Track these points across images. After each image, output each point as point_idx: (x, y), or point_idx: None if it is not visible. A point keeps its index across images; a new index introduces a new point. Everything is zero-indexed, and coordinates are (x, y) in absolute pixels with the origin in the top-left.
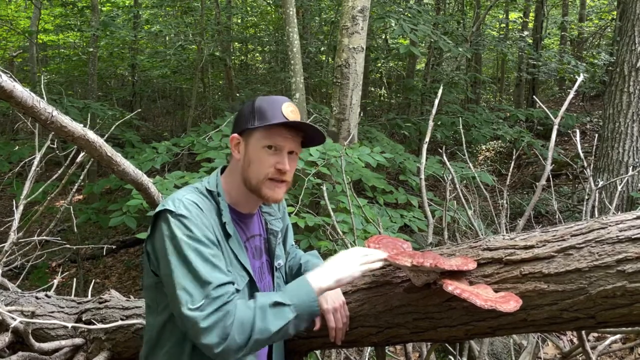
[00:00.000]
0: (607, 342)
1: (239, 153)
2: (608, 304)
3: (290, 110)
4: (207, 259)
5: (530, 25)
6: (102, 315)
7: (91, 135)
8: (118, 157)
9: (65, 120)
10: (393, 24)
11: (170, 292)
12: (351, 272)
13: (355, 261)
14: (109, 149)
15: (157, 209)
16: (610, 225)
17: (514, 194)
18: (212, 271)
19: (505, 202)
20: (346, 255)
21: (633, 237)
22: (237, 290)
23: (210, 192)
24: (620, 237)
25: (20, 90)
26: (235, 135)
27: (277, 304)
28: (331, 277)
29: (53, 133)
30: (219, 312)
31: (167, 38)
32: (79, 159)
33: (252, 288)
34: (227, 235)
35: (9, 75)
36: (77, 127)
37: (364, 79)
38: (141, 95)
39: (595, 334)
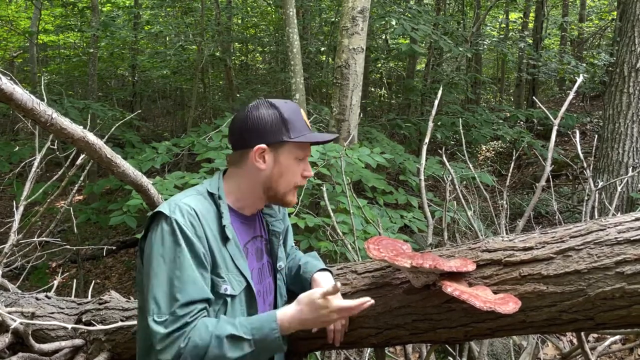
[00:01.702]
0: (607, 343)
1: (264, 163)
2: (607, 305)
3: (306, 118)
4: (184, 272)
5: (531, 25)
6: (102, 316)
7: (91, 137)
8: (118, 159)
9: (65, 123)
10: (393, 24)
11: (145, 294)
12: (321, 321)
13: (329, 313)
14: (108, 151)
15: (158, 208)
16: (609, 227)
17: (514, 194)
18: (185, 286)
19: (505, 202)
20: (322, 305)
21: (632, 238)
22: (233, 297)
23: (211, 194)
24: (619, 239)
25: (20, 93)
26: (262, 146)
27: (233, 337)
28: (299, 323)
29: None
30: (177, 332)
31: (167, 38)
32: (79, 161)
33: (249, 293)
34: (226, 239)
35: (8, 78)
36: (76, 129)
37: (364, 80)
38: (141, 95)
39: (595, 335)
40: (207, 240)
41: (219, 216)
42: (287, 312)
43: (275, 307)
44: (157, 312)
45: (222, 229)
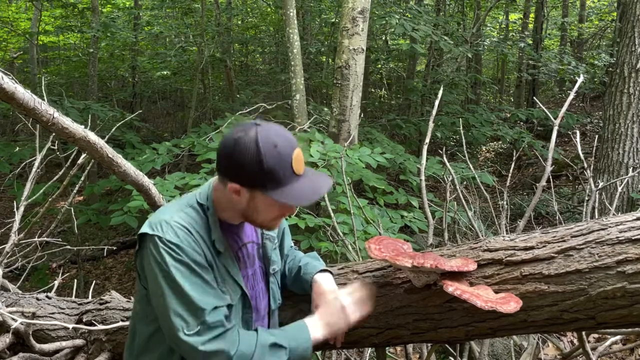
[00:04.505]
0: (608, 343)
1: (239, 197)
2: (608, 305)
3: (299, 162)
4: (198, 284)
5: (530, 26)
6: (103, 316)
7: (92, 136)
8: (119, 159)
9: (67, 122)
10: (394, 23)
11: (162, 315)
12: (346, 321)
13: (349, 311)
14: (110, 151)
15: (145, 229)
16: (610, 227)
17: (514, 195)
18: (203, 296)
19: (505, 203)
20: (339, 306)
21: (633, 238)
22: (230, 306)
23: (200, 205)
24: (620, 238)
25: (22, 92)
26: (236, 185)
27: (275, 346)
28: (327, 329)
29: (54, 134)
30: (221, 339)
31: (167, 39)
32: (80, 161)
33: (245, 300)
34: (218, 252)
35: (10, 77)
36: (78, 129)
37: (364, 80)
38: (142, 96)
39: (596, 335)
40: (204, 253)
41: (209, 229)
42: (312, 318)
43: (269, 311)
44: (186, 326)
45: (212, 242)
